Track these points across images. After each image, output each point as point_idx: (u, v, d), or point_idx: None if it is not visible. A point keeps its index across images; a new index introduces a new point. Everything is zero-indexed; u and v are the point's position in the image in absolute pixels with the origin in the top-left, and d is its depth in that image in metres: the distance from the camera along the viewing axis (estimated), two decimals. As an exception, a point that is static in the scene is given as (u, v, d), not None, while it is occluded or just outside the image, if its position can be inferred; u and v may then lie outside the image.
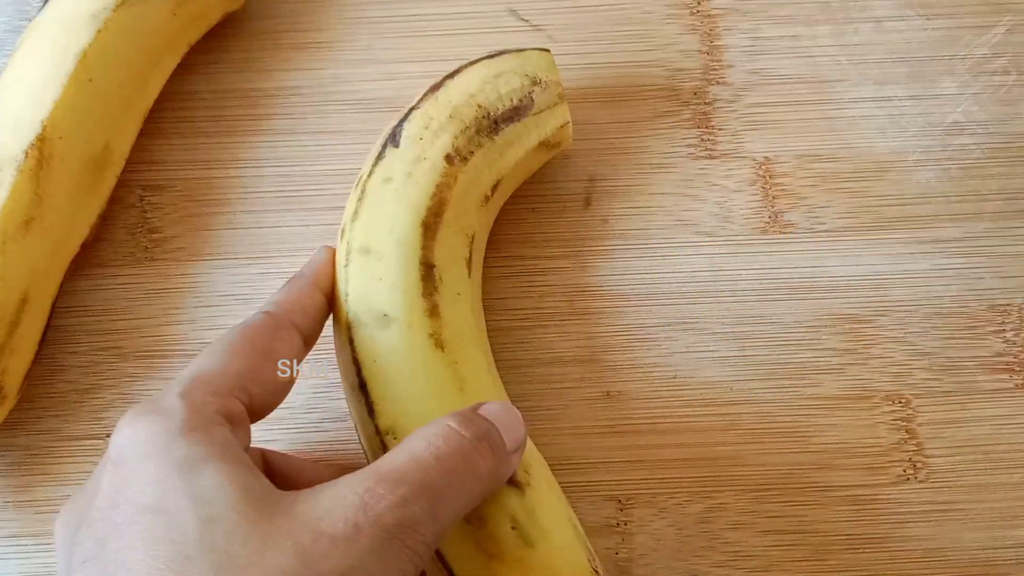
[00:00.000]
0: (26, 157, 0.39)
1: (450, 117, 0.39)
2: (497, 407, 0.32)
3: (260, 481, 0.27)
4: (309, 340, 0.35)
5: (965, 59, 0.46)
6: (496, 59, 0.40)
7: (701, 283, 0.42)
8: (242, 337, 0.32)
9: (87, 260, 0.43)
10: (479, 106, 0.39)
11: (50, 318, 0.41)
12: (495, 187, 0.39)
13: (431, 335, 0.35)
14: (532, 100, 0.39)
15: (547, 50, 0.41)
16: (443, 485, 0.28)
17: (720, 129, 0.45)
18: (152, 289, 0.43)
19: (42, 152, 0.39)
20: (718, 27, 0.46)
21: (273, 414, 0.41)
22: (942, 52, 0.46)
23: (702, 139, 0.45)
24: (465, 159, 0.38)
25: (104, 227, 0.44)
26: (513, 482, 0.33)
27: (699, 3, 0.47)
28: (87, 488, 0.29)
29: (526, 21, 0.46)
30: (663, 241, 0.43)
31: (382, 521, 0.26)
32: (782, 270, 0.43)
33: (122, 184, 0.44)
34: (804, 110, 0.45)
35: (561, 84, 0.40)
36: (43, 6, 0.42)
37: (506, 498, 0.33)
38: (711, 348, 0.42)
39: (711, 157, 0.44)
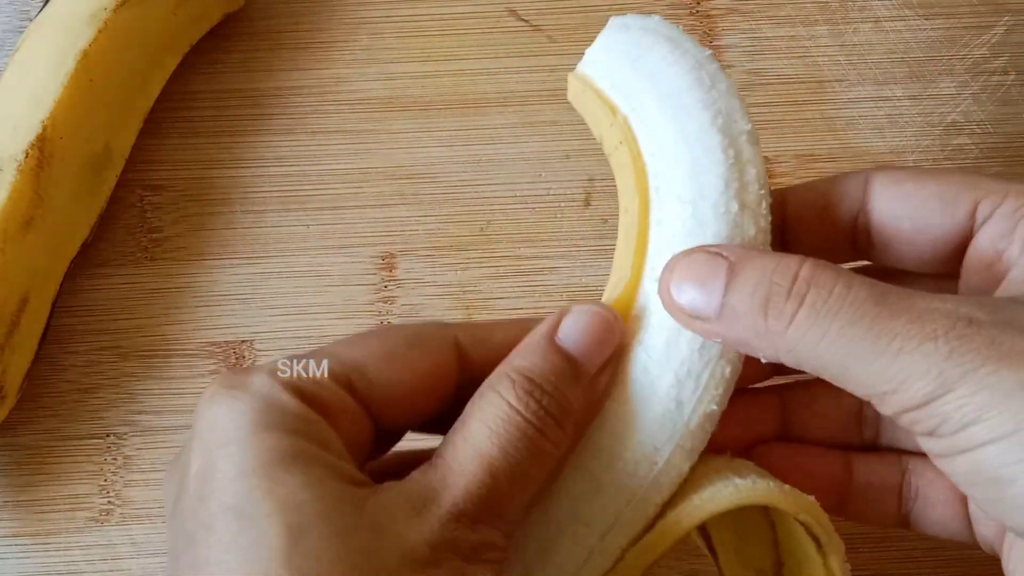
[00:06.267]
0: (26, 157, 0.39)
1: None
2: (578, 326, 0.29)
3: (340, 484, 0.25)
4: (467, 367, 0.30)
5: (964, 59, 0.46)
6: None
7: (701, 283, 0.42)
8: (396, 326, 0.30)
9: (87, 260, 0.43)
10: None
11: (50, 318, 0.41)
12: None
13: None
14: None
15: None
16: (512, 487, 0.26)
17: (719, 129, 0.45)
18: (152, 289, 0.43)
19: (42, 152, 0.39)
20: (717, 27, 0.46)
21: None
22: (941, 52, 0.46)
23: (702, 139, 0.45)
24: None
25: (104, 227, 0.44)
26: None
27: (698, 3, 0.47)
28: (181, 458, 0.27)
29: (526, 21, 0.47)
30: (663, 241, 0.43)
31: (459, 546, 0.25)
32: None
33: (122, 184, 0.44)
34: (803, 110, 0.45)
35: None
36: (43, 6, 0.42)
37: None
38: (711, 348, 0.42)
39: (711, 157, 0.44)
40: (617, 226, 0.43)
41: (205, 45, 0.46)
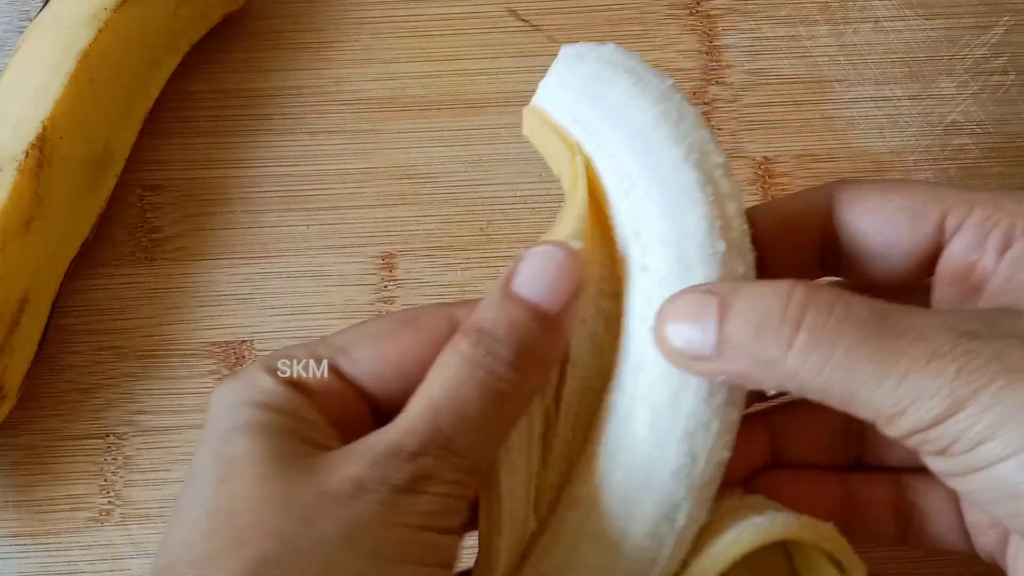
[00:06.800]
0: (26, 157, 0.39)
1: None
2: (532, 272, 0.28)
3: (294, 443, 0.26)
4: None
5: (964, 59, 0.46)
6: None
7: (701, 283, 0.42)
8: (397, 311, 0.30)
9: (87, 260, 0.43)
10: None
11: (50, 318, 0.41)
12: None
13: None
14: None
15: None
16: (461, 422, 0.26)
17: (719, 129, 0.45)
18: (152, 289, 0.43)
19: (42, 152, 0.39)
20: (717, 27, 0.46)
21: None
22: (941, 52, 0.46)
23: (701, 139, 0.45)
24: None
25: (104, 227, 0.44)
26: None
27: (698, 3, 0.47)
28: None
29: (526, 21, 0.47)
30: (663, 241, 0.43)
31: (390, 478, 0.25)
32: (781, 270, 0.43)
33: (122, 184, 0.44)
34: (803, 110, 0.45)
35: None
36: (44, 6, 0.42)
37: None
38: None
39: (710, 157, 0.44)
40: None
41: (205, 45, 0.46)
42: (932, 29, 0.46)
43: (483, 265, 0.43)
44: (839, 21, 0.46)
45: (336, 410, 0.28)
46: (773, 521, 0.29)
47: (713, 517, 0.29)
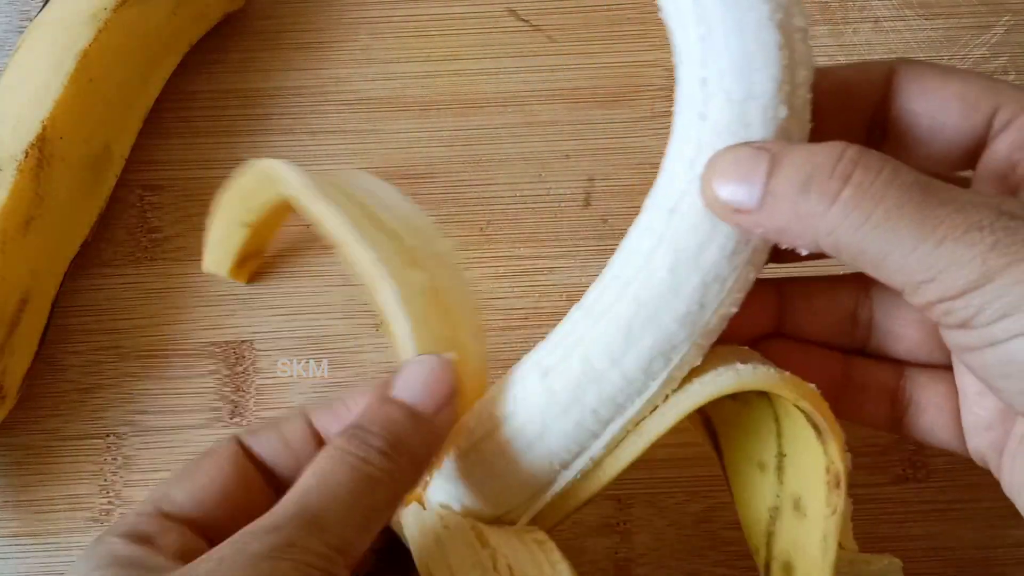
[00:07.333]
0: (26, 157, 0.39)
1: None
2: (409, 379, 0.30)
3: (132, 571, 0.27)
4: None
5: (964, 59, 0.46)
6: None
7: (701, 283, 0.43)
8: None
9: (87, 260, 0.43)
10: None
11: (50, 318, 0.41)
12: None
13: None
14: None
15: None
16: (327, 502, 0.27)
17: (719, 129, 0.45)
18: (152, 289, 0.43)
19: (42, 152, 0.39)
20: (717, 27, 0.46)
21: (275, 414, 0.41)
22: (941, 52, 0.46)
23: (701, 139, 0.45)
24: None
25: (104, 227, 0.44)
26: None
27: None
28: None
29: (525, 21, 0.47)
30: (663, 241, 0.43)
31: (249, 548, 0.25)
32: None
33: (122, 184, 0.44)
34: (803, 110, 0.45)
35: None
36: (44, 6, 0.42)
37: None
38: (711, 348, 0.42)
39: (710, 157, 0.44)
40: (617, 226, 0.43)
41: (205, 45, 0.46)
42: (932, 29, 0.46)
43: (483, 265, 0.43)
44: (839, 21, 0.46)
45: (176, 546, 0.29)
46: (755, 370, 0.30)
47: (704, 360, 0.30)
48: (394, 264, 0.31)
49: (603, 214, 0.44)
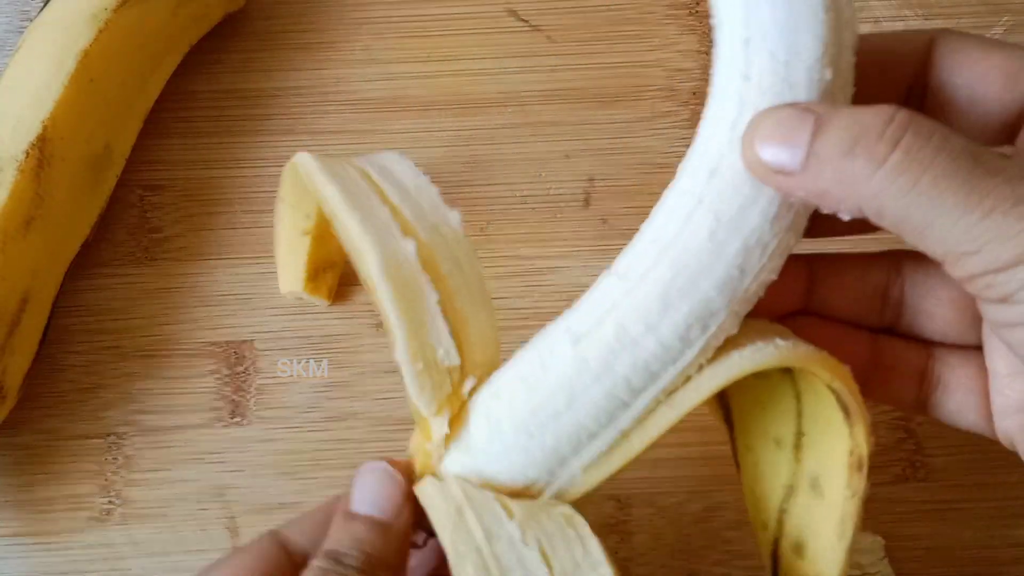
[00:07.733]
0: (27, 157, 0.39)
1: None
2: (364, 492, 0.31)
3: None
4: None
5: (964, 59, 0.46)
6: None
7: (700, 283, 0.43)
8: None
9: (87, 260, 0.43)
10: None
11: (50, 318, 0.41)
12: None
13: None
14: None
15: None
16: None
17: (719, 129, 0.45)
18: (152, 289, 0.43)
19: (43, 152, 0.39)
20: (717, 27, 0.46)
21: (275, 414, 0.41)
22: (941, 52, 0.46)
23: (701, 139, 0.45)
24: None
25: (104, 227, 0.44)
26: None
27: (698, 3, 0.47)
28: None
29: (525, 21, 0.47)
30: (663, 241, 0.43)
31: None
32: (781, 270, 0.43)
33: (122, 184, 0.44)
34: (803, 110, 0.45)
35: None
36: (44, 6, 0.42)
37: None
38: (710, 348, 0.42)
39: (710, 157, 0.44)
40: (617, 226, 0.43)
41: (205, 45, 0.46)
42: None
43: (483, 265, 0.43)
44: (839, 21, 0.46)
45: None
46: (795, 347, 0.29)
47: (740, 332, 0.29)
48: (384, 234, 0.30)
49: (603, 214, 0.44)
